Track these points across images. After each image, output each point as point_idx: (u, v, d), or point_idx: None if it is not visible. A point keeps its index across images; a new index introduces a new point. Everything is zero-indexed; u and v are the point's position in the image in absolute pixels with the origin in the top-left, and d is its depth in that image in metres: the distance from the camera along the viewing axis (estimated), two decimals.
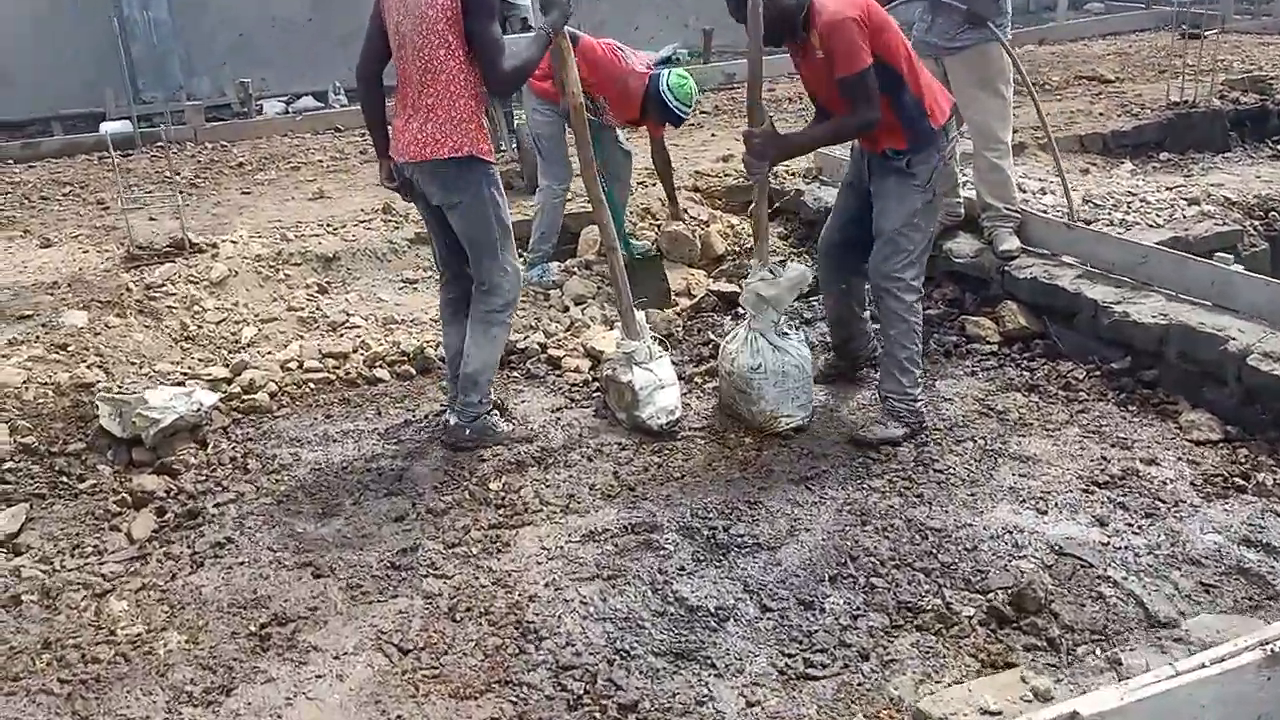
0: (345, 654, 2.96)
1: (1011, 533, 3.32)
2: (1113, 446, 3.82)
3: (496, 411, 4.21)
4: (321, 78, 10.91)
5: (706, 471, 3.86)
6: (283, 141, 9.08)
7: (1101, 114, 8.10)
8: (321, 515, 3.71)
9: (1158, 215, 6.13)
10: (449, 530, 3.56)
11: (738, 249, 6.16)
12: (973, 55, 4.89)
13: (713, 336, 5.07)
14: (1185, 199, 6.31)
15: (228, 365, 4.76)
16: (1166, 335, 4.11)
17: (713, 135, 8.28)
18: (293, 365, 4.79)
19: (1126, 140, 7.62)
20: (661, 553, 3.35)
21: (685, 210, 6.25)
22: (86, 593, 3.29)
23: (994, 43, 4.84)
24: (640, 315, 4.27)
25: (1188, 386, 4.04)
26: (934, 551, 3.26)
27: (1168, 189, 6.57)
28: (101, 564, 3.45)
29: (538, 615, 3.08)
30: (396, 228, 6.27)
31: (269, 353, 4.94)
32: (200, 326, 5.14)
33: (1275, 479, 3.48)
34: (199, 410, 4.24)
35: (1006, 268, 4.95)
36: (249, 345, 5.02)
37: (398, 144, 3.90)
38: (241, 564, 3.43)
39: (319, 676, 2.89)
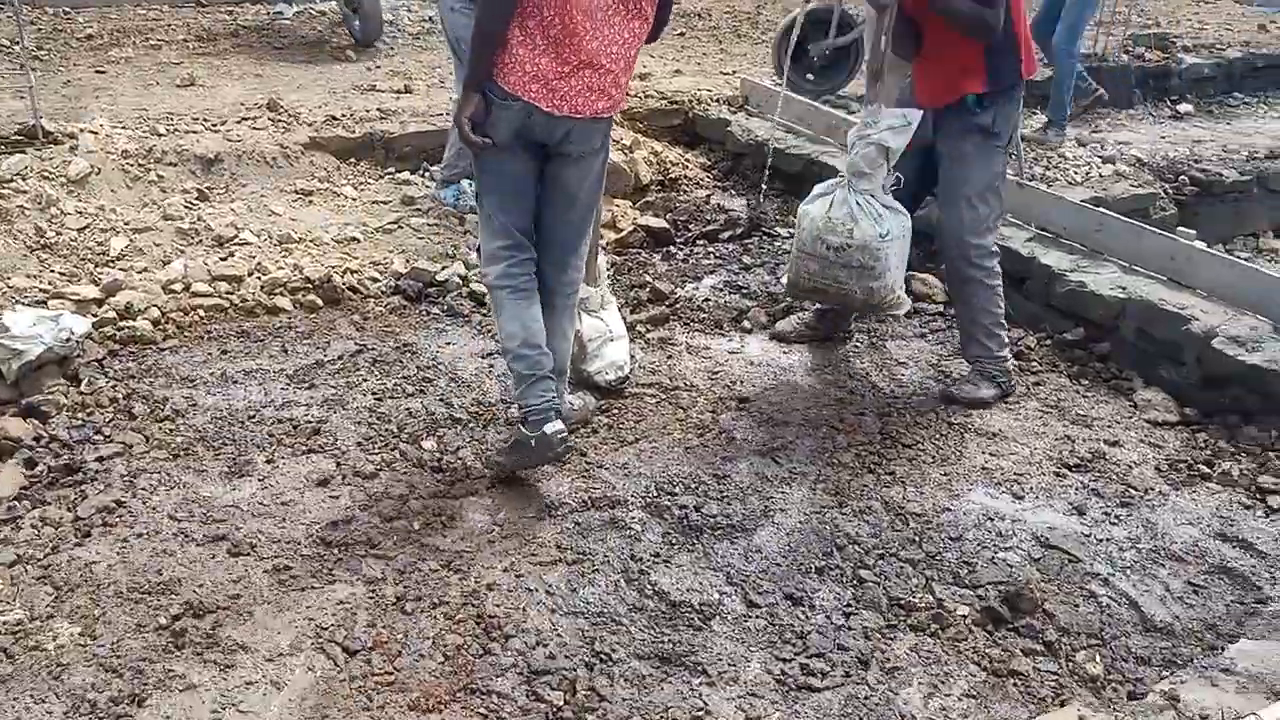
0: (280, 655, 2.56)
1: (993, 520, 3.18)
2: (1073, 424, 3.73)
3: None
4: None
5: (662, 436, 3.56)
6: (135, 13, 8.05)
7: None
8: (230, 475, 3.23)
9: (1075, 173, 6.12)
10: (383, 499, 3.15)
11: (664, 179, 5.79)
12: None
13: (646, 277, 4.74)
14: (1100, 157, 6.31)
15: (97, 283, 4.11)
16: (1125, 310, 4.03)
17: None
18: (177, 287, 4.19)
19: (1038, 92, 7.57)
20: (629, 533, 3.05)
21: (632, 145, 5.71)
22: None
23: None
24: (603, 260, 3.87)
25: (1142, 363, 3.98)
26: (917, 540, 3.08)
27: (1081, 145, 6.56)
28: None
29: (499, 607, 2.75)
30: (286, 129, 5.60)
31: (145, 269, 4.31)
32: (59, 233, 4.43)
33: (1240, 468, 3.45)
34: (69, 340, 3.65)
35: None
36: (120, 259, 4.37)
37: (552, 94, 3.02)
38: (139, 536, 2.93)
39: (250, 683, 2.48)
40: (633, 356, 3.99)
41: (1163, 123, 7.41)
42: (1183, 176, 6.29)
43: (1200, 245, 4.13)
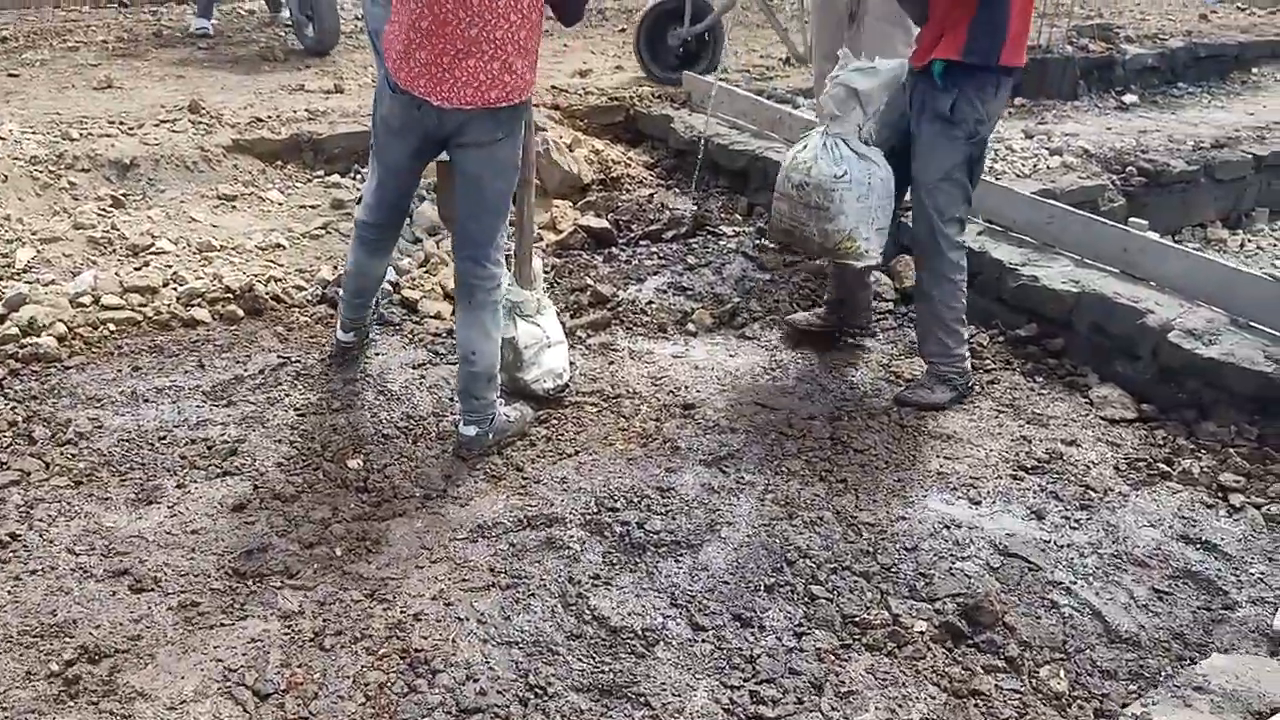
0: (183, 702, 2.34)
1: (950, 528, 3.04)
2: (1029, 424, 3.61)
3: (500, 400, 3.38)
4: None
5: (604, 447, 3.38)
6: (55, 14, 7.72)
7: None
8: (136, 503, 3.00)
9: (1023, 164, 6.03)
10: (303, 523, 2.94)
11: (606, 177, 5.61)
12: None
13: (588, 280, 4.56)
14: (1048, 149, 6.23)
15: None
16: (1078, 304, 3.92)
17: (565, 45, 7.60)
18: (86, 301, 3.93)
19: None
20: (567, 554, 2.86)
21: (573, 144, 5.46)
22: None
23: None
24: (538, 263, 3.68)
25: (1097, 359, 3.87)
26: (872, 551, 2.93)
27: (1028, 137, 6.48)
28: None
29: (427, 639, 2.55)
30: (209, 131, 5.33)
31: (52, 282, 4.04)
32: None
33: (1200, 466, 3.34)
34: None
35: (902, 218, 4.64)
36: (26, 271, 4.11)
37: (439, 85, 2.98)
38: (33, 573, 2.69)
39: None
40: (573, 363, 3.81)
41: (1108, 114, 7.37)
42: (1130, 167, 6.22)
43: (1153, 236, 4.04)
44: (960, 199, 3.57)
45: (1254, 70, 8.48)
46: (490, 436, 3.29)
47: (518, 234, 3.60)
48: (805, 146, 3.69)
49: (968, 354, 3.73)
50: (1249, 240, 6.32)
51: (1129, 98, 7.70)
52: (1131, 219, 4.35)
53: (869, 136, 3.62)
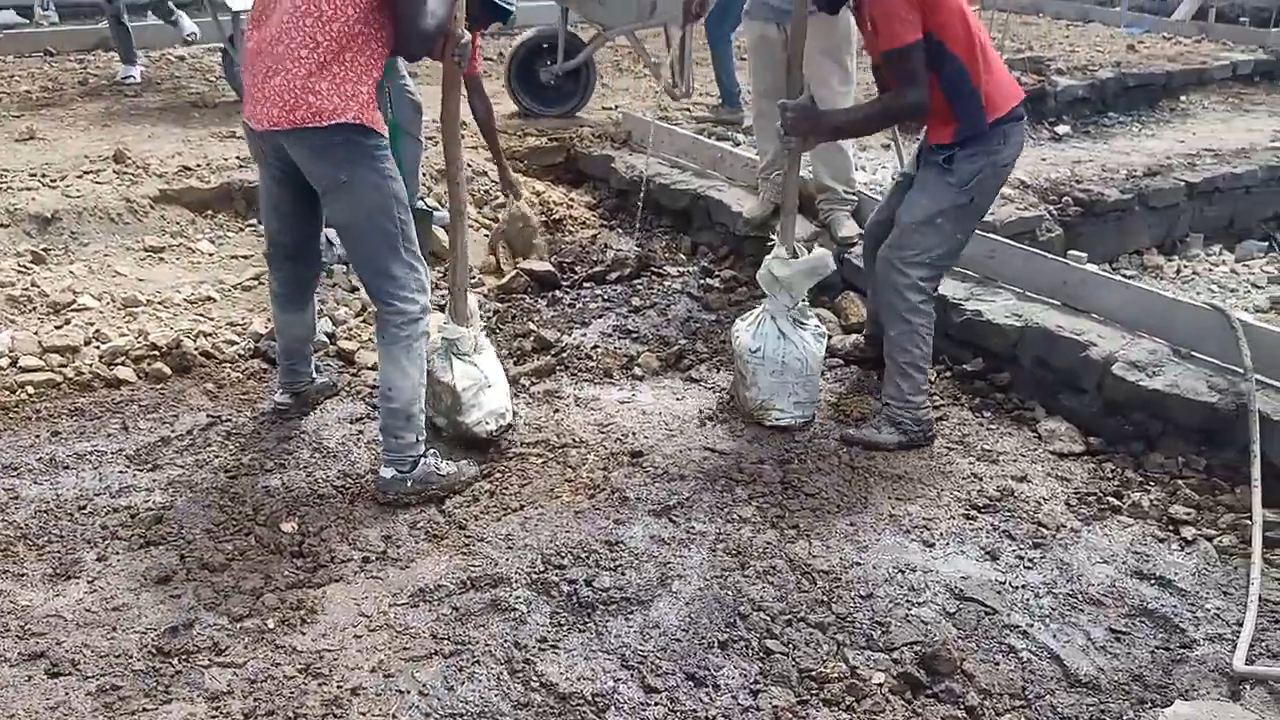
0: None
1: (904, 572, 2.98)
2: (979, 460, 3.57)
3: (432, 452, 3.32)
4: None
5: (550, 500, 3.28)
6: None
7: None
8: (54, 578, 2.83)
9: None
10: (233, 594, 2.79)
11: (548, 219, 5.53)
12: (818, 20, 4.48)
13: (531, 325, 4.47)
14: None
15: None
16: (1022, 338, 3.91)
17: (502, 89, 7.53)
18: (3, 363, 3.76)
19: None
20: (513, 616, 2.75)
21: (516, 180, 5.28)
22: None
23: (841, 10, 4.45)
24: (473, 299, 3.58)
25: (1043, 392, 3.86)
26: (826, 600, 2.85)
27: None
28: None
29: (365, 716, 2.42)
30: (134, 182, 5.17)
31: None
32: None
33: (1150, 499, 3.33)
34: None
35: (846, 255, 4.63)
36: None
37: (254, 106, 3.04)
38: None
39: None
40: (516, 413, 3.72)
41: (1042, 144, 7.47)
42: (1066, 197, 6.29)
43: (1092, 269, 4.05)
44: (938, 246, 3.50)
45: (1182, 98, 8.68)
46: (409, 483, 3.21)
47: (451, 268, 3.51)
48: (749, 315, 3.87)
49: (926, 403, 3.64)
50: (1185, 266, 6.40)
51: (1062, 128, 7.83)
52: (1070, 251, 4.37)
53: (802, 317, 3.73)
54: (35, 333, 3.95)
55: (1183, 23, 11.03)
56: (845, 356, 4.22)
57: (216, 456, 3.42)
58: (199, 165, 5.44)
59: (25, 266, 4.44)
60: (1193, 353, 3.63)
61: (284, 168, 3.17)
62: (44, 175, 5.16)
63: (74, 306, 4.17)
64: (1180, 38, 10.37)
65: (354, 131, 3.00)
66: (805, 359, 3.68)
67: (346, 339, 4.21)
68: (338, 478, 3.35)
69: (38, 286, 4.28)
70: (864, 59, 4.20)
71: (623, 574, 2.93)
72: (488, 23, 4.52)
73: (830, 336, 4.05)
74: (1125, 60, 9.03)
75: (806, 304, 3.78)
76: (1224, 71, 9.12)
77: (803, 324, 3.73)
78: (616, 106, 6.97)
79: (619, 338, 4.47)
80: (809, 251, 3.75)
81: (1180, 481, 3.38)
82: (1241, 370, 3.39)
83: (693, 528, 3.15)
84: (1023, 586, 2.94)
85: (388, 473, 3.21)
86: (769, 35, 4.66)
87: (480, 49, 4.55)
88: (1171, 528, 3.21)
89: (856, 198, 4.81)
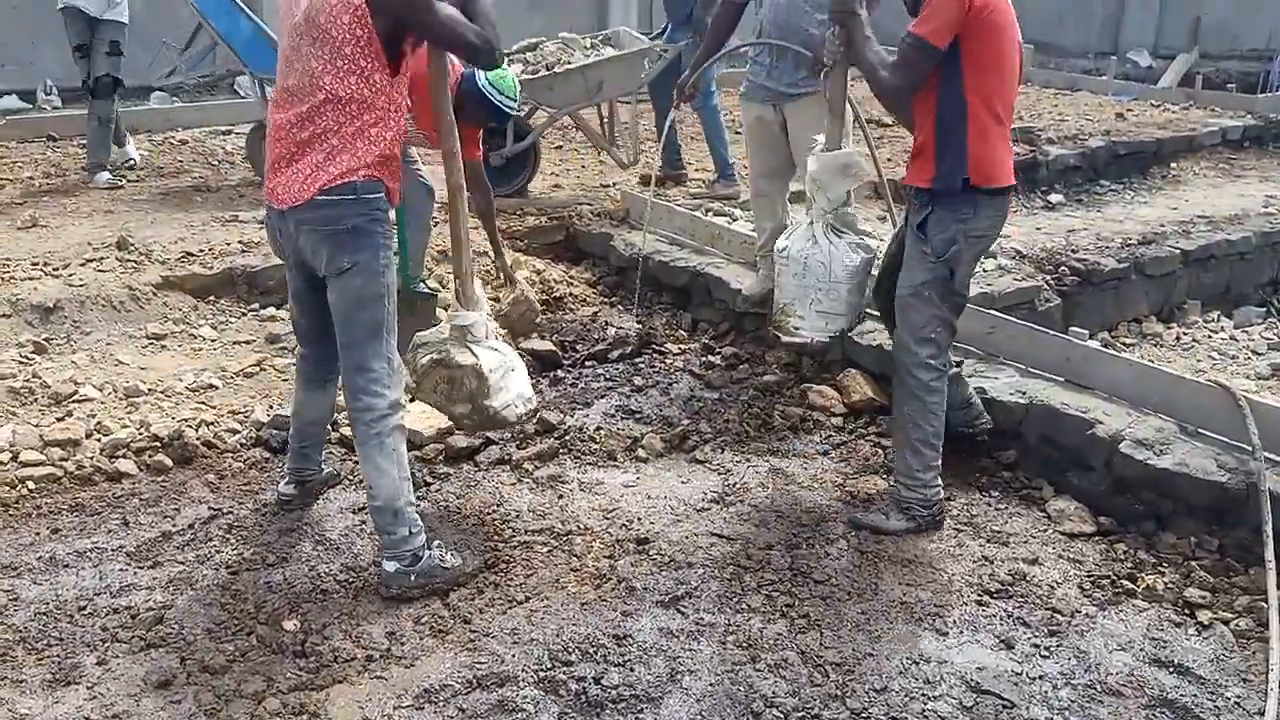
0: None
1: (918, 663, 2.92)
2: (989, 542, 3.54)
3: (436, 544, 3.30)
4: (29, 74, 9.37)
5: (555, 591, 3.23)
6: None
7: (889, 160, 8.11)
8: (53, 684, 2.78)
9: None
10: (235, 699, 2.74)
11: (548, 298, 5.55)
12: (814, 103, 4.55)
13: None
14: None
15: None
16: (1027, 415, 3.90)
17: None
18: (4, 458, 3.73)
19: None
20: (520, 717, 2.69)
21: (513, 266, 5.31)
22: None
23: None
24: (478, 284, 3.52)
25: (1050, 471, 3.84)
26: (840, 695, 2.80)
27: None
28: None
29: None
30: (136, 269, 5.20)
31: None
32: None
33: (1164, 581, 3.29)
34: None
35: (846, 332, 4.63)
36: None
37: (274, 186, 3.12)
38: None
39: None
40: (519, 505, 3.68)
41: (1036, 214, 7.53)
42: (1063, 267, 6.32)
43: (1094, 345, 4.05)
44: (931, 318, 3.44)
45: (1173, 165, 8.78)
46: (413, 577, 3.18)
47: (454, 251, 3.46)
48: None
49: (936, 482, 3.55)
50: (1184, 333, 6.42)
51: (1054, 197, 7.90)
52: (1072, 328, 4.38)
53: (843, 228, 3.62)
54: (36, 425, 3.93)
55: (1170, 89, 11.22)
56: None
57: (218, 551, 3.38)
58: (201, 250, 5.47)
59: (27, 357, 4.44)
60: (1200, 430, 3.61)
61: (300, 253, 3.19)
62: (47, 264, 5.19)
63: (75, 397, 4.16)
64: (1169, 104, 10.54)
65: (364, 204, 3.03)
66: (829, 265, 3.51)
67: (349, 425, 4.18)
68: (340, 571, 3.31)
69: (39, 378, 4.27)
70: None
71: (631, 670, 2.88)
72: (485, 121, 4.63)
73: (876, 254, 3.80)
74: (1115, 128, 9.15)
75: (852, 212, 3.64)
76: (1214, 138, 9.24)
77: (840, 232, 3.57)
78: (615, 184, 7.04)
79: (622, 418, 4.46)
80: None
81: (1194, 563, 3.35)
82: (1250, 449, 3.38)
83: (701, 619, 3.11)
84: (1040, 677, 2.89)
85: (390, 566, 3.18)
86: (765, 117, 4.73)
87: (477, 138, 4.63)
88: (1187, 611, 3.17)
89: None
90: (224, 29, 6.62)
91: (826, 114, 3.74)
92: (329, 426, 3.80)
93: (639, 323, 5.37)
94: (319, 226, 3.05)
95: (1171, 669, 2.92)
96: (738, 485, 3.89)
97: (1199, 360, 6.04)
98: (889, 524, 3.54)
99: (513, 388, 3.46)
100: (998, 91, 3.29)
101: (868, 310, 3.98)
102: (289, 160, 3.05)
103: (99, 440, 3.89)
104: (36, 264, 5.18)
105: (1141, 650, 3.00)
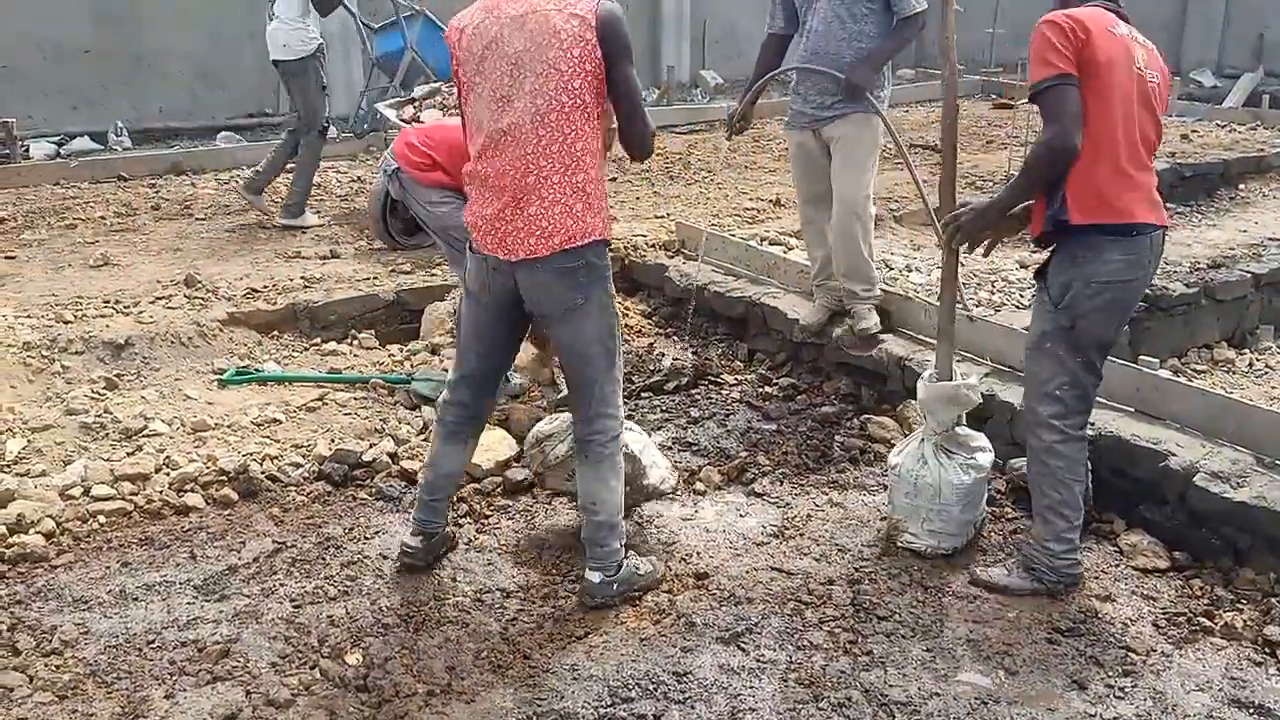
0: None
1: (987, 703, 2.85)
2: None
3: (631, 550, 3.46)
4: (101, 116, 9.69)
5: (615, 626, 3.22)
6: (53, 192, 7.84)
7: (926, 181, 8.00)
8: (122, 718, 2.82)
9: (1021, 296, 6.01)
10: None
11: None
12: (847, 123, 4.54)
13: None
14: None
15: None
16: (1097, 447, 3.80)
17: None
18: (76, 492, 3.82)
19: None
20: None
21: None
22: None
23: (871, 115, 4.49)
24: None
25: (1122, 504, 3.74)
26: None
27: (1023, 267, 6.48)
28: None
29: None
30: (203, 305, 5.32)
31: (43, 474, 3.95)
32: None
33: (1243, 619, 3.18)
34: None
35: (906, 363, 4.59)
36: (15, 463, 4.01)
37: (502, 238, 3.10)
38: None
39: None
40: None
41: None
42: None
43: (1165, 374, 3.94)
44: (1056, 373, 3.22)
45: (1240, 186, 8.57)
46: (615, 586, 3.29)
47: None
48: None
49: (1069, 556, 3.31)
50: (1257, 359, 6.23)
51: None
52: (1141, 356, 4.27)
53: (952, 447, 3.57)
54: (108, 459, 4.02)
55: (1236, 109, 10.98)
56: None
57: (281, 584, 3.42)
58: (265, 287, 5.59)
59: (99, 393, 4.55)
60: (1278, 462, 3.49)
61: (507, 299, 3.19)
62: (118, 302, 5.33)
63: (145, 432, 4.25)
64: (1234, 124, 10.31)
65: (597, 252, 3.11)
66: (939, 487, 3.47)
67: (409, 458, 4.22)
68: (400, 605, 3.32)
69: (110, 413, 4.38)
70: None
71: (692, 708, 2.84)
72: None
73: (991, 475, 3.74)
74: (1180, 150, 8.97)
75: (963, 432, 3.59)
76: None
77: (951, 453, 3.54)
78: (669, 215, 7.06)
79: (679, 450, 4.44)
80: (963, 378, 3.61)
81: (1274, 599, 3.24)
82: None
83: (762, 655, 3.07)
84: (1115, 719, 2.80)
85: (595, 577, 3.29)
86: (805, 143, 4.72)
87: None
88: (1267, 650, 3.06)
89: (878, 294, 4.79)
90: (442, 69, 7.30)
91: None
92: (459, 482, 3.71)
93: (694, 353, 5.36)
94: (553, 272, 3.07)
95: (1252, 710, 2.82)
96: (797, 518, 3.85)
97: (1274, 387, 5.85)
98: (1010, 581, 3.36)
99: (660, 462, 3.74)
100: (1107, 123, 3.06)
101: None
102: (516, 207, 3.04)
103: (168, 474, 3.97)
104: (108, 302, 5.32)
105: (1220, 691, 2.90)
